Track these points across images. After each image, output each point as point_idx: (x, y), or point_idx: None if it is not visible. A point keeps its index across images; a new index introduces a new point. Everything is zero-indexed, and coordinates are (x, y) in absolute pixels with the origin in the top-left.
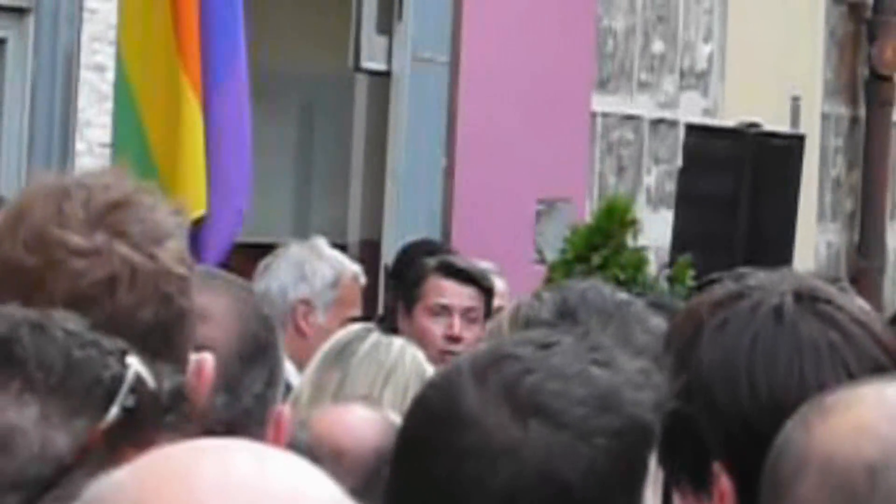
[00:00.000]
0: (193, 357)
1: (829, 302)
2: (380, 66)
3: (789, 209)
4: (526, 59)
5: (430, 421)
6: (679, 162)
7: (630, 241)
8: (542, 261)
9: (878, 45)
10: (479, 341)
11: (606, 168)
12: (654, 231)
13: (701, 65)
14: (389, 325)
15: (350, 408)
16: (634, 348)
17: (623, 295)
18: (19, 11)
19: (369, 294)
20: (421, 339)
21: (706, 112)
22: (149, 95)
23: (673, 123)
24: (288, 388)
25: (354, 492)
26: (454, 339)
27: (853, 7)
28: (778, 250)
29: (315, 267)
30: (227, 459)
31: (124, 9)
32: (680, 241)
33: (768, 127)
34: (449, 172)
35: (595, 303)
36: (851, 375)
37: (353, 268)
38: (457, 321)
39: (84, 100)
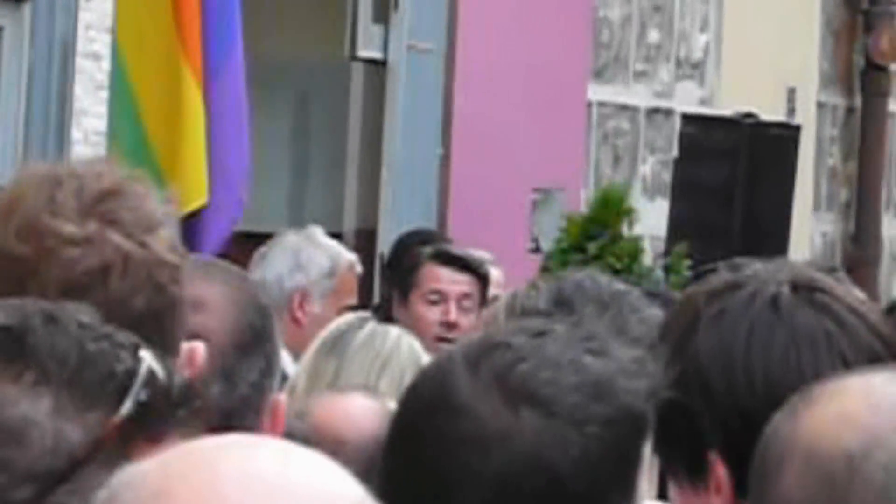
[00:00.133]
0: (185, 345)
1: (825, 292)
2: (376, 54)
3: (785, 199)
4: (522, 49)
5: (423, 409)
6: (675, 151)
7: (626, 231)
8: (538, 250)
9: (874, 35)
10: (474, 329)
11: (602, 157)
12: (650, 220)
13: (697, 54)
14: (385, 315)
15: (350, 396)
16: (630, 338)
17: (619, 284)
18: (16, 0)
19: (365, 283)
20: (416, 327)
21: (702, 102)
22: (146, 84)
23: (669, 113)
24: (284, 377)
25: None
26: (450, 326)
27: None
28: (773, 240)
29: (311, 256)
30: (250, 454)
31: None
32: (675, 231)
33: (764, 117)
34: (445, 161)
35: (591, 292)
36: (848, 365)
37: (350, 257)
38: (452, 308)
39: (80, 88)
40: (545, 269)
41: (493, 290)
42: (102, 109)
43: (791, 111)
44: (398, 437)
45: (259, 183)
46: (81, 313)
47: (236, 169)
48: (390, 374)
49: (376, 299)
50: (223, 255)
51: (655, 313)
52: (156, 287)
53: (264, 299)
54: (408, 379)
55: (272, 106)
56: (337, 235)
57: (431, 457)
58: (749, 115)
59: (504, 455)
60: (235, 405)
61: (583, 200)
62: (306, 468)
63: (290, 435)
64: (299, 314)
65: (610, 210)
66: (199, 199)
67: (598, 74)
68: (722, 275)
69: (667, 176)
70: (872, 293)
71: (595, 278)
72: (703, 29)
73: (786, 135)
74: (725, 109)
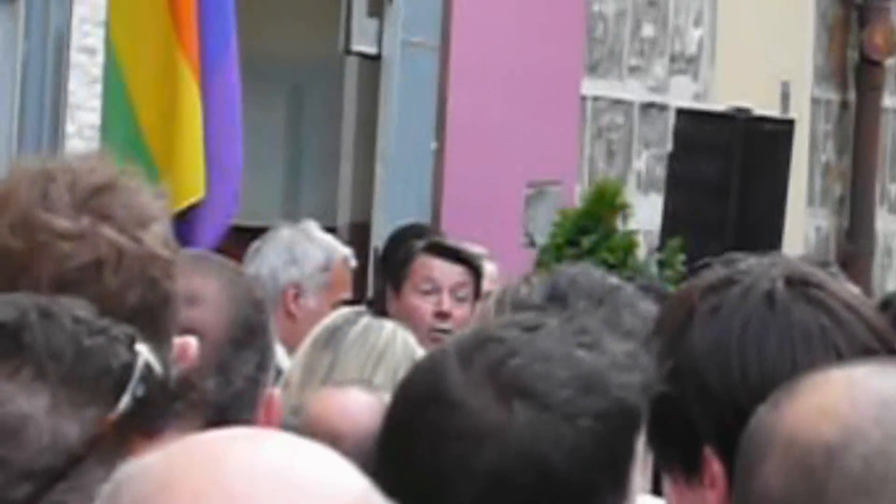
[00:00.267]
0: (177, 340)
1: (820, 287)
2: (370, 49)
3: (779, 194)
4: (516, 44)
5: (416, 403)
6: (669, 146)
7: (620, 225)
8: (532, 244)
9: (869, 30)
10: (468, 323)
11: (596, 152)
12: (644, 215)
13: (691, 49)
14: (379, 309)
15: (346, 391)
16: (624, 332)
17: (613, 279)
18: None
19: (359, 277)
20: (410, 318)
21: (696, 96)
22: (140, 78)
23: (663, 108)
24: (278, 371)
25: None
26: (443, 316)
27: None
28: (767, 235)
29: (305, 250)
30: (256, 447)
31: None
32: (670, 226)
33: (758, 112)
34: (439, 156)
35: (585, 287)
36: (842, 360)
37: (344, 251)
38: (446, 298)
39: (74, 82)
40: (539, 264)
41: (487, 285)
42: (97, 103)
43: (785, 106)
44: (391, 432)
45: (253, 177)
46: (77, 307)
47: (232, 165)
48: (385, 369)
49: (370, 293)
50: (217, 249)
51: (649, 308)
52: (149, 282)
53: (259, 293)
54: (402, 373)
55: (266, 100)
56: (331, 229)
57: (425, 451)
58: (743, 109)
59: (497, 449)
60: (230, 399)
61: (577, 195)
62: (312, 461)
63: (285, 430)
64: (294, 308)
65: (604, 205)
66: (196, 195)
67: (593, 69)
68: (716, 270)
69: (661, 171)
70: (866, 288)
71: (589, 273)
72: (697, 24)
73: (780, 130)
74: (720, 104)
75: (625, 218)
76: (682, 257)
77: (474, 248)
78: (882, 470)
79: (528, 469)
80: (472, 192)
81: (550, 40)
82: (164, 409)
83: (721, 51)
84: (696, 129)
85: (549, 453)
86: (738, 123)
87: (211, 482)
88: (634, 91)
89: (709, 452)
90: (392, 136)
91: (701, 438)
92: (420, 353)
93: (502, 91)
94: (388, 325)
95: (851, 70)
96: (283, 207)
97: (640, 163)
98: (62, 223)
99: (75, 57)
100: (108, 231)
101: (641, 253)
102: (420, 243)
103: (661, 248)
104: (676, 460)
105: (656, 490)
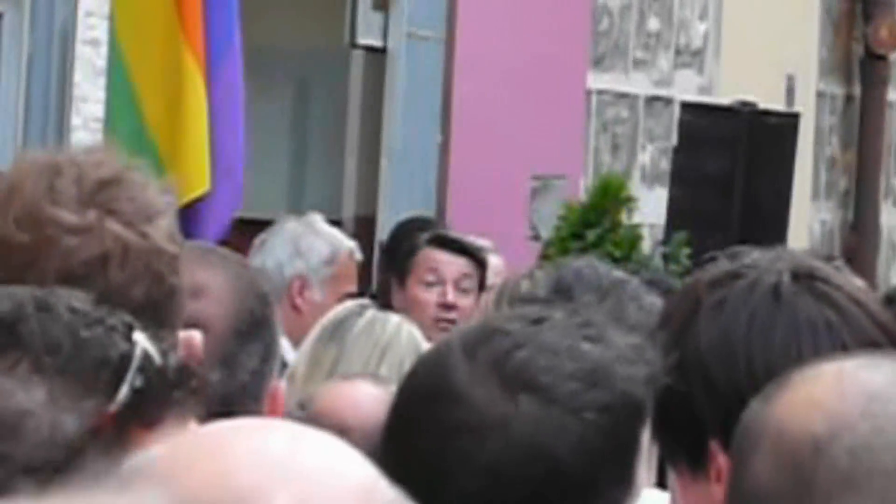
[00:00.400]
0: (182, 334)
1: (826, 281)
2: (375, 42)
3: (784, 187)
4: (521, 37)
5: (420, 396)
6: (674, 140)
7: (625, 219)
8: (537, 238)
9: (874, 24)
10: (472, 314)
11: (601, 145)
12: (649, 208)
13: (696, 43)
14: (383, 302)
15: (355, 383)
16: (629, 325)
17: (618, 273)
18: None
19: (364, 270)
20: (414, 310)
21: (701, 90)
22: (145, 72)
23: (668, 101)
24: (283, 364)
25: None
26: (448, 307)
27: None
28: (772, 229)
29: (311, 243)
30: (261, 437)
31: None
32: (674, 219)
33: (763, 105)
34: (444, 149)
35: (590, 280)
36: (848, 353)
37: (349, 244)
38: (449, 289)
39: (80, 75)
40: (544, 257)
41: (492, 278)
42: (102, 96)
43: (790, 100)
44: (396, 425)
45: (258, 170)
46: (73, 298)
47: (235, 160)
48: (390, 362)
49: (375, 286)
50: (222, 242)
51: (655, 301)
52: (155, 277)
53: (264, 286)
54: (407, 366)
55: (272, 93)
56: (336, 222)
57: (429, 444)
58: (748, 103)
59: (501, 442)
60: (235, 392)
61: (582, 188)
62: (318, 449)
63: None
64: (299, 301)
65: (609, 198)
66: (200, 189)
67: (598, 62)
68: (722, 263)
69: (666, 164)
70: (871, 282)
71: (594, 266)
72: (702, 17)
73: (785, 123)
74: (725, 98)
75: (629, 211)
76: (686, 251)
77: (479, 241)
78: (869, 463)
79: (534, 462)
80: (477, 186)
81: (555, 34)
82: (162, 398)
83: (726, 44)
84: (701, 122)
85: (554, 446)
86: (743, 117)
87: (216, 472)
88: (639, 84)
89: (714, 446)
90: (397, 129)
91: (706, 432)
92: (425, 345)
93: (507, 84)
94: (394, 318)
95: (856, 64)
96: (288, 200)
97: (645, 156)
98: (68, 217)
99: (80, 49)
100: (115, 225)
101: (646, 246)
102: (424, 236)
103: (665, 242)
104: (682, 454)
105: (661, 483)
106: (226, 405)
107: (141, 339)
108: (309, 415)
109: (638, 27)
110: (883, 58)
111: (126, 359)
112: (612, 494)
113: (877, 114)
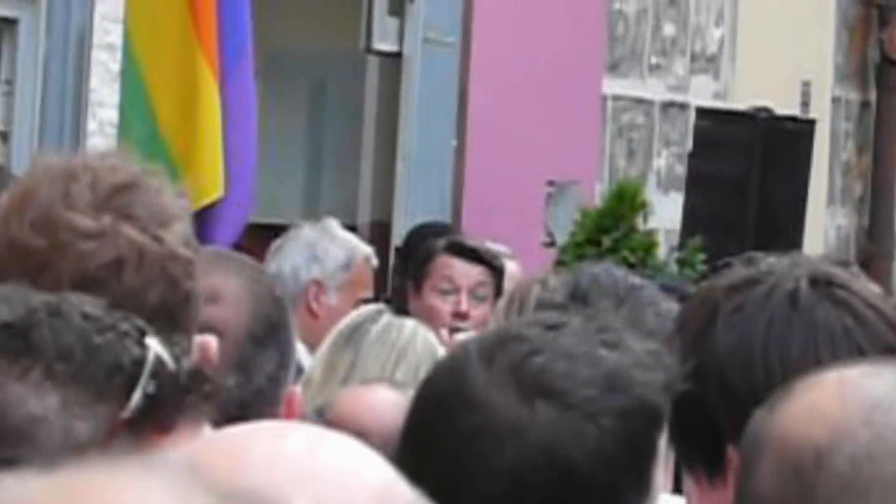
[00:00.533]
0: (197, 339)
1: (843, 287)
2: (391, 47)
3: (799, 193)
4: (537, 42)
5: (438, 402)
6: (689, 145)
7: (640, 224)
8: (552, 243)
9: (889, 29)
10: (486, 322)
11: (617, 151)
12: (664, 214)
13: (712, 48)
14: (397, 306)
15: (373, 389)
16: (646, 331)
17: (635, 278)
18: None
19: (379, 275)
20: (429, 318)
21: (717, 95)
22: (159, 76)
23: (683, 107)
24: (300, 369)
25: None
26: (461, 316)
27: None
28: (788, 234)
29: (327, 248)
30: (280, 438)
31: None
32: (690, 225)
33: (779, 111)
34: (459, 154)
35: (607, 286)
36: (865, 359)
37: (366, 249)
38: (464, 298)
39: (96, 80)
40: (560, 263)
41: (508, 284)
42: (118, 100)
43: (806, 105)
44: (413, 431)
45: (274, 175)
46: (86, 304)
47: (249, 164)
48: (405, 367)
49: (390, 292)
50: (238, 247)
51: (671, 307)
52: (170, 281)
53: (280, 291)
54: (423, 371)
55: (288, 98)
56: (351, 227)
57: (446, 450)
58: (764, 109)
59: (518, 448)
60: (251, 397)
61: (597, 194)
62: (336, 450)
63: None
64: (315, 306)
65: (624, 203)
66: (214, 194)
67: (613, 68)
68: (739, 269)
69: (681, 170)
70: (887, 287)
71: (611, 272)
72: (718, 23)
73: (800, 129)
74: (740, 103)
75: (645, 217)
76: (701, 256)
77: (496, 247)
78: (870, 471)
79: (550, 468)
80: (492, 191)
81: (571, 39)
82: (175, 403)
83: (742, 50)
84: (717, 128)
85: (571, 452)
86: (759, 123)
87: (234, 472)
88: (655, 90)
89: (732, 452)
90: (413, 134)
91: (724, 438)
92: (441, 350)
93: (523, 89)
94: (409, 323)
95: (872, 69)
96: (304, 205)
97: (661, 162)
98: (84, 222)
99: (97, 54)
100: (130, 230)
101: (661, 252)
102: (440, 242)
103: (681, 248)
104: (699, 459)
105: (677, 489)
106: (242, 410)
107: (154, 344)
108: (327, 420)
109: (654, 32)
110: None
111: (139, 364)
112: (629, 500)
113: (892, 119)
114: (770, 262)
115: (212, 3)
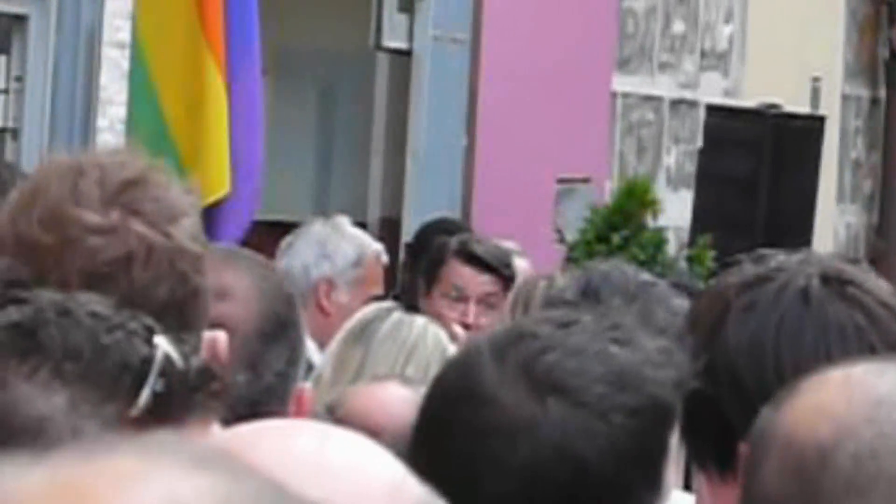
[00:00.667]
0: (207, 335)
1: (855, 284)
2: (401, 44)
3: (809, 190)
4: (547, 40)
5: (449, 399)
6: (699, 142)
7: (650, 222)
8: (562, 241)
9: None
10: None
11: (626, 148)
12: (674, 211)
13: (721, 45)
14: (407, 303)
15: (384, 385)
16: (657, 329)
17: (646, 276)
18: None
19: (389, 272)
20: (437, 323)
21: (726, 93)
22: (167, 74)
23: (693, 104)
24: (310, 366)
25: None
26: (467, 328)
27: None
28: (797, 231)
29: (338, 245)
30: (289, 436)
31: None
32: (699, 222)
33: (788, 108)
34: (469, 151)
35: (618, 283)
36: (877, 357)
37: (376, 247)
38: (472, 309)
39: (106, 77)
40: (569, 260)
41: (519, 281)
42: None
43: (815, 102)
44: (425, 428)
45: (284, 172)
46: (93, 303)
47: (255, 161)
48: (416, 363)
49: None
50: (247, 244)
51: (682, 304)
52: (179, 277)
53: (289, 288)
54: (433, 368)
55: (297, 96)
56: (361, 225)
57: (458, 447)
58: (773, 106)
59: (530, 445)
60: (260, 394)
61: (607, 191)
62: (346, 447)
63: None
64: (325, 303)
65: (634, 201)
66: (221, 191)
67: (623, 65)
68: (750, 267)
69: (691, 167)
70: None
71: (622, 269)
72: (727, 20)
73: (810, 126)
74: (750, 100)
75: (655, 214)
76: (711, 253)
77: (507, 244)
78: (873, 469)
79: (562, 465)
80: (502, 188)
81: (581, 36)
82: (183, 401)
83: (751, 47)
84: (726, 125)
85: (582, 449)
86: (768, 120)
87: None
88: (665, 87)
89: (744, 449)
90: (422, 131)
91: (735, 435)
92: (451, 347)
93: (533, 87)
94: (419, 320)
95: (882, 66)
96: (314, 202)
97: (671, 159)
98: (92, 218)
99: (107, 52)
100: (138, 226)
101: (671, 249)
102: (453, 244)
103: (690, 245)
104: (710, 457)
105: (687, 486)
106: (251, 407)
107: (162, 342)
108: (337, 417)
109: (663, 30)
110: None
111: (147, 363)
112: (640, 497)
113: None
114: (780, 259)
115: (219, 2)
